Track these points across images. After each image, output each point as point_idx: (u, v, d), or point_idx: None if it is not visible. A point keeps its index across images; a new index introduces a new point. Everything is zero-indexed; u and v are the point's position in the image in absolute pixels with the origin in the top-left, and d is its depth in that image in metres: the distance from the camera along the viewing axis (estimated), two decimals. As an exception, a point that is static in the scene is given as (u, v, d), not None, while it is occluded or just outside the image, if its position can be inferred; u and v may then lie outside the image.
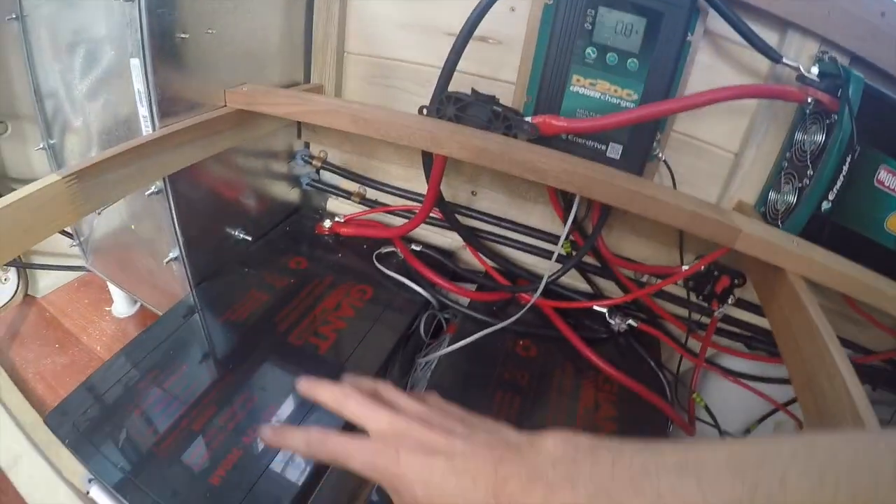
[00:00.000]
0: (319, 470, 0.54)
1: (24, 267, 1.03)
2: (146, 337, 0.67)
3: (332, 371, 0.64)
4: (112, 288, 1.01)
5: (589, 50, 0.64)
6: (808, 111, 0.63)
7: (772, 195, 0.70)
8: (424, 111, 0.67)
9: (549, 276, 0.74)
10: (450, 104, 0.65)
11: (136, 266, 0.86)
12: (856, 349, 0.82)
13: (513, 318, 0.73)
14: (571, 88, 0.67)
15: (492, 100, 0.65)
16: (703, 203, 0.65)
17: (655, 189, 0.62)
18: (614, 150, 0.69)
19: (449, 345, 0.73)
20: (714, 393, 0.90)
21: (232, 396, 0.60)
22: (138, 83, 0.62)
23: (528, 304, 0.74)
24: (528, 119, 0.65)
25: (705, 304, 0.80)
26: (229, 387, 0.61)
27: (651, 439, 0.59)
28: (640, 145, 0.68)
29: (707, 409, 0.82)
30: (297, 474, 0.53)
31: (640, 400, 0.72)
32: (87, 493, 0.56)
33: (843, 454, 0.26)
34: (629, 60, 0.64)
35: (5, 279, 1.03)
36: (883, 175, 0.61)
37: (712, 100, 0.61)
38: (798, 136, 0.66)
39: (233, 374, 0.63)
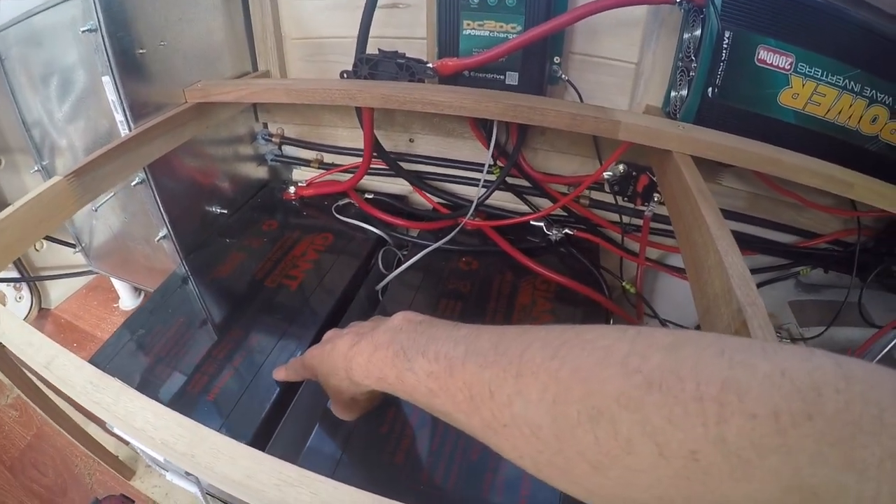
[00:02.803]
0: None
1: (34, 280, 1.35)
2: (151, 303, 0.94)
3: (301, 302, 0.91)
4: (117, 284, 1.32)
5: None
6: (685, 10, 0.80)
7: (672, 94, 0.87)
8: (345, 75, 0.95)
9: (479, 198, 1.00)
10: (363, 65, 0.92)
11: (134, 256, 1.15)
12: (804, 234, 1.00)
13: (448, 237, 1.00)
14: (464, 32, 0.90)
15: (395, 55, 0.91)
16: (584, 105, 0.89)
17: (534, 100, 0.83)
18: (511, 78, 0.92)
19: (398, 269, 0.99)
20: (668, 291, 1.13)
21: (223, 336, 0.86)
22: (112, 95, 0.89)
23: (460, 225, 1.01)
24: (429, 64, 0.90)
25: (632, 205, 1.02)
26: (221, 330, 0.87)
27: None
28: (534, 69, 0.90)
29: (643, 300, 1.05)
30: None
31: (577, 296, 0.95)
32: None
33: (585, 336, 0.34)
34: None
35: (19, 297, 1.35)
36: (763, 54, 0.74)
37: (577, 16, 0.80)
38: (685, 35, 0.82)
39: (223, 320, 0.89)
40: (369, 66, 0.92)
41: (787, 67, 0.75)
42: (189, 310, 0.93)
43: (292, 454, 0.67)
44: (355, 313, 0.95)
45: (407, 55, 0.92)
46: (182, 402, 0.76)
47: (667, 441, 0.27)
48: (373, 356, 0.48)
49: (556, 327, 0.37)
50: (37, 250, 1.34)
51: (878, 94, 0.76)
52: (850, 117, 0.77)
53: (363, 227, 1.09)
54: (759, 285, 1.04)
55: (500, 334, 0.39)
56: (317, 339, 0.83)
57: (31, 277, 1.33)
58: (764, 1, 0.73)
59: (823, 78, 0.75)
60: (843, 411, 0.24)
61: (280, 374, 0.73)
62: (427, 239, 1.06)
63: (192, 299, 0.96)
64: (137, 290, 1.35)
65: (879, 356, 0.90)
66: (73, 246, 1.24)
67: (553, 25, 0.82)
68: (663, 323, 1.07)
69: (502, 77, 0.93)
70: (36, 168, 1.14)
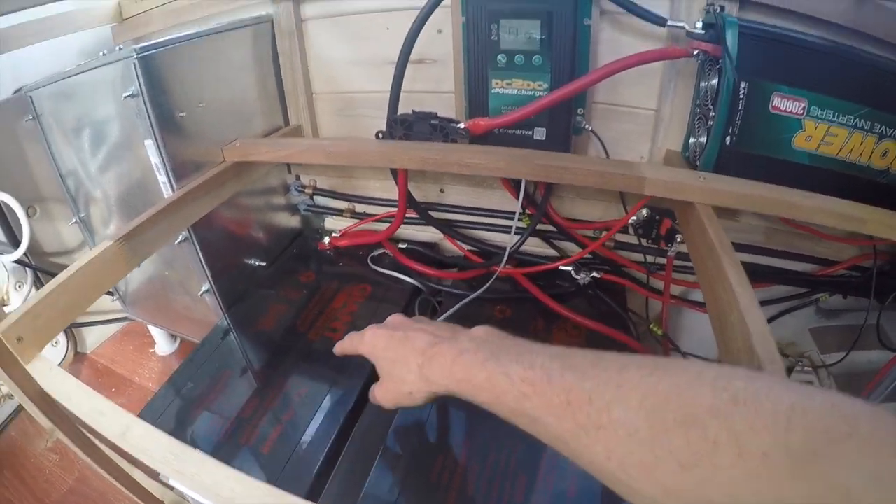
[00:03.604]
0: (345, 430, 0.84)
1: (71, 327, 1.39)
2: (193, 358, 0.98)
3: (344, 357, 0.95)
4: (153, 330, 1.37)
5: (500, 57, 0.91)
6: (700, 61, 0.84)
7: (692, 140, 0.91)
8: (381, 135, 0.99)
9: (511, 247, 1.05)
10: (398, 126, 0.96)
11: (172, 306, 1.20)
12: (821, 262, 1.03)
13: (483, 287, 1.04)
14: (493, 91, 0.95)
15: (429, 115, 0.95)
16: (611, 161, 0.93)
17: (564, 159, 0.87)
18: (539, 133, 0.96)
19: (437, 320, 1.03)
20: (693, 327, 1.17)
21: (268, 391, 0.90)
22: (154, 158, 0.94)
23: (496, 274, 1.06)
24: (461, 125, 0.94)
25: (656, 247, 1.05)
26: (265, 384, 0.91)
27: None
28: (560, 123, 0.95)
29: (667, 337, 1.08)
30: (330, 433, 0.83)
31: (608, 340, 0.98)
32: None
33: (677, 364, 0.39)
34: (534, 57, 0.90)
35: (55, 342, 1.40)
36: (777, 101, 0.78)
37: (602, 76, 0.84)
38: (702, 84, 0.85)
39: (267, 373, 0.93)
40: (404, 126, 0.96)
41: (801, 112, 0.79)
42: (234, 362, 0.97)
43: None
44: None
45: (439, 114, 0.96)
46: (236, 456, 0.81)
47: (746, 443, 0.32)
48: (458, 358, 0.51)
49: (647, 356, 0.41)
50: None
51: (888, 130, 0.79)
52: (861, 154, 0.81)
53: (399, 278, 1.14)
54: (779, 314, 1.12)
55: (596, 355, 0.43)
56: (365, 390, 0.89)
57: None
58: (776, 50, 0.77)
59: (835, 119, 0.79)
60: (873, 432, 0.30)
61: (339, 348, 0.74)
62: (461, 286, 1.11)
63: (237, 352, 1.01)
64: (173, 335, 1.40)
65: None
66: (110, 293, 1.28)
67: (580, 85, 0.86)
68: (686, 357, 1.12)
69: (530, 133, 0.97)
70: (74, 220, 1.19)
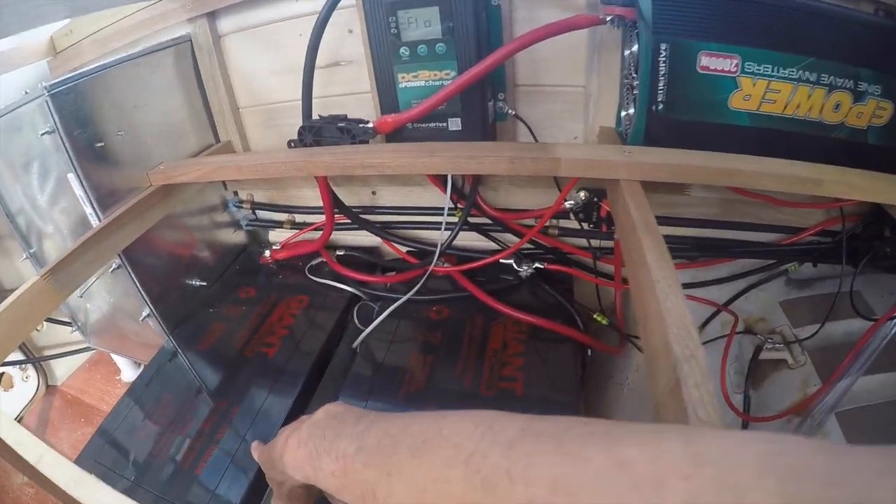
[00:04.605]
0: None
1: (39, 361, 1.42)
2: (140, 381, 1.00)
3: (278, 369, 0.96)
4: (117, 358, 1.39)
5: (402, 49, 0.89)
6: (620, 28, 0.80)
7: (622, 114, 0.88)
8: (293, 144, 0.98)
9: (442, 244, 1.03)
10: (308, 133, 0.96)
11: (125, 333, 1.22)
12: (786, 231, 0.98)
13: (415, 289, 1.04)
14: (400, 85, 0.93)
15: (335, 118, 0.95)
16: (523, 145, 0.92)
17: (470, 148, 0.87)
18: (454, 124, 0.93)
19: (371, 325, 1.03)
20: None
21: (204, 410, 0.91)
22: (78, 191, 0.95)
23: (426, 274, 1.04)
24: (369, 124, 0.93)
25: (598, 230, 1.02)
26: (203, 404, 0.93)
27: (560, 366, 0.90)
28: (475, 112, 0.91)
29: (612, 325, 1.04)
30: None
31: (552, 334, 0.97)
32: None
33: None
34: (437, 45, 0.87)
35: (26, 377, 1.44)
36: (705, 60, 0.73)
37: (506, 54, 0.81)
38: (626, 52, 0.82)
39: (206, 392, 0.95)
40: (313, 133, 0.95)
41: (734, 69, 0.73)
42: (177, 384, 0.99)
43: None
44: (335, 373, 0.99)
45: (347, 117, 0.95)
46: (173, 479, 0.82)
47: None
48: (297, 452, 0.51)
49: (429, 416, 0.40)
50: (38, 331, 1.43)
51: (837, 80, 0.73)
52: (810, 109, 0.75)
53: (336, 286, 1.14)
54: (746, 288, 1.07)
55: (385, 428, 0.42)
56: (296, 406, 0.90)
57: (35, 358, 1.43)
58: (696, 4, 0.72)
59: (774, 73, 0.73)
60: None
61: (256, 452, 0.73)
62: (400, 290, 1.10)
63: (180, 374, 1.02)
64: (136, 361, 1.42)
65: (880, 347, 0.86)
66: (69, 325, 1.30)
67: (485, 66, 0.83)
68: (632, 342, 1.08)
69: (444, 124, 0.95)
70: (25, 256, 1.20)
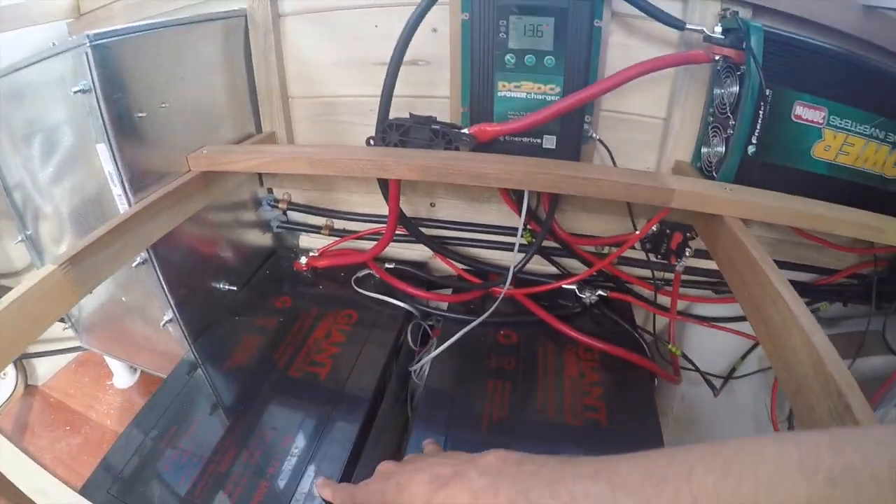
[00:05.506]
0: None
1: (21, 357, 1.12)
2: (156, 401, 0.75)
3: (334, 394, 0.74)
4: (110, 361, 1.11)
5: (508, 56, 0.76)
6: (719, 67, 0.73)
7: (704, 150, 0.79)
8: (371, 142, 0.78)
9: (515, 267, 0.85)
10: (393, 131, 0.76)
11: (131, 335, 0.95)
12: (820, 272, 0.93)
13: (488, 312, 0.84)
14: (499, 94, 0.78)
15: (429, 120, 0.75)
16: (637, 173, 0.76)
17: (590, 170, 0.72)
18: (549, 142, 0.80)
19: (435, 348, 0.83)
20: (696, 341, 1.00)
21: (247, 439, 0.68)
22: (108, 166, 0.71)
23: (500, 296, 0.85)
24: (465, 130, 0.75)
25: (665, 262, 0.90)
26: (242, 431, 0.69)
27: (637, 393, 0.69)
28: (572, 132, 0.79)
29: (685, 356, 0.92)
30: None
31: (622, 361, 0.82)
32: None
33: (748, 448, 0.30)
34: (546, 58, 0.75)
35: (3, 374, 1.12)
36: (799, 110, 0.69)
37: (623, 80, 0.70)
38: (716, 91, 0.75)
39: (244, 417, 0.71)
40: (399, 132, 0.75)
41: (821, 121, 0.70)
42: (203, 404, 0.75)
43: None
44: (389, 398, 0.79)
45: (438, 119, 0.76)
46: None
47: None
48: (482, 500, 0.39)
49: (701, 447, 0.32)
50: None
51: None
52: (875, 163, 0.73)
53: (389, 301, 0.92)
54: None
55: (643, 462, 0.33)
56: (360, 438, 0.69)
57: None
58: (798, 57, 0.68)
59: (853, 128, 0.71)
60: None
61: (326, 492, 0.59)
62: (456, 309, 0.90)
63: (206, 390, 0.77)
64: (134, 367, 1.14)
65: None
66: (62, 320, 1.03)
67: (601, 89, 0.72)
68: (706, 378, 0.95)
69: (539, 141, 0.81)
70: (20, 238, 0.94)
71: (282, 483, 0.63)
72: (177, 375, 0.79)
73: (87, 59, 0.64)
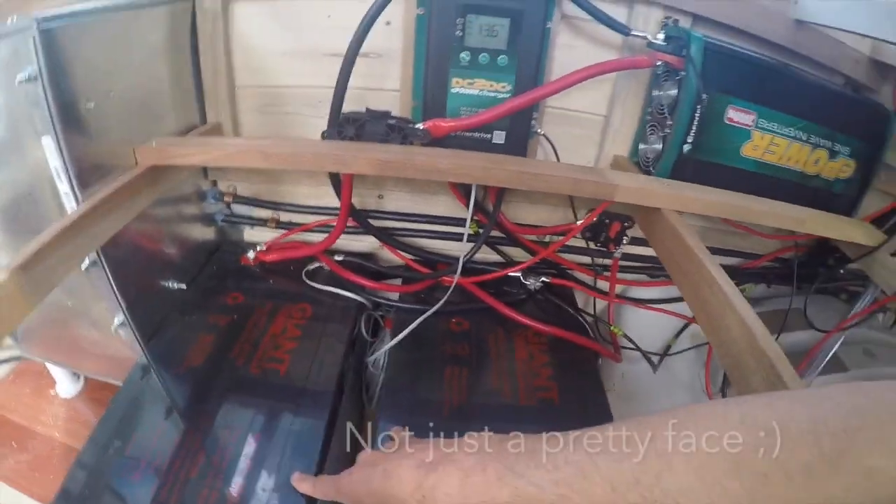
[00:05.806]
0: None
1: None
2: (116, 406, 0.72)
3: (297, 389, 0.74)
4: (52, 369, 1.04)
5: (463, 54, 0.78)
6: (659, 72, 0.79)
7: (642, 146, 0.85)
8: (325, 136, 0.78)
9: (465, 256, 0.88)
10: (349, 125, 0.77)
11: (76, 341, 0.90)
12: (745, 256, 1.03)
13: (441, 301, 0.87)
14: (452, 90, 0.80)
15: (386, 114, 0.77)
16: (583, 168, 0.81)
17: (539, 166, 0.77)
18: (499, 137, 0.84)
19: (391, 339, 0.84)
20: (633, 322, 1.08)
21: (214, 442, 0.67)
22: (54, 160, 0.65)
23: (452, 285, 0.89)
24: (420, 125, 0.77)
25: (604, 249, 0.97)
26: (207, 434, 0.68)
27: (584, 372, 0.79)
28: (520, 128, 0.84)
29: (626, 336, 0.99)
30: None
31: (567, 343, 0.87)
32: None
33: (700, 411, 0.37)
34: (499, 57, 0.78)
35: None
36: (732, 113, 0.77)
37: (573, 82, 0.76)
38: (655, 92, 0.81)
39: (207, 420, 0.70)
40: (355, 126, 0.76)
41: (751, 123, 0.78)
42: (164, 411, 0.73)
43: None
44: (353, 388, 0.81)
45: (393, 114, 0.78)
46: None
47: (790, 467, 0.31)
48: (467, 482, 0.42)
49: (659, 414, 0.38)
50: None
51: (820, 140, 0.82)
52: (797, 161, 0.82)
53: (341, 294, 0.92)
54: None
55: (612, 430, 0.38)
56: (329, 430, 0.71)
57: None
58: (733, 65, 0.77)
59: (779, 131, 0.79)
60: (879, 416, 0.32)
61: (305, 486, 0.60)
62: (407, 299, 0.93)
63: (164, 398, 0.75)
64: (78, 374, 1.08)
65: (828, 357, 0.99)
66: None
67: (555, 88, 0.77)
68: (645, 355, 1.02)
69: (489, 136, 0.85)
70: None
71: (255, 484, 0.63)
72: (131, 382, 0.76)
73: (35, 43, 0.58)
